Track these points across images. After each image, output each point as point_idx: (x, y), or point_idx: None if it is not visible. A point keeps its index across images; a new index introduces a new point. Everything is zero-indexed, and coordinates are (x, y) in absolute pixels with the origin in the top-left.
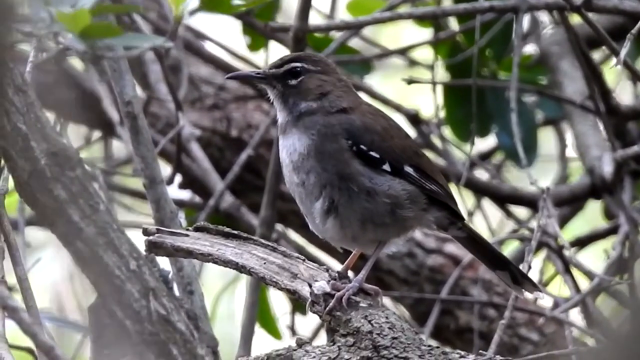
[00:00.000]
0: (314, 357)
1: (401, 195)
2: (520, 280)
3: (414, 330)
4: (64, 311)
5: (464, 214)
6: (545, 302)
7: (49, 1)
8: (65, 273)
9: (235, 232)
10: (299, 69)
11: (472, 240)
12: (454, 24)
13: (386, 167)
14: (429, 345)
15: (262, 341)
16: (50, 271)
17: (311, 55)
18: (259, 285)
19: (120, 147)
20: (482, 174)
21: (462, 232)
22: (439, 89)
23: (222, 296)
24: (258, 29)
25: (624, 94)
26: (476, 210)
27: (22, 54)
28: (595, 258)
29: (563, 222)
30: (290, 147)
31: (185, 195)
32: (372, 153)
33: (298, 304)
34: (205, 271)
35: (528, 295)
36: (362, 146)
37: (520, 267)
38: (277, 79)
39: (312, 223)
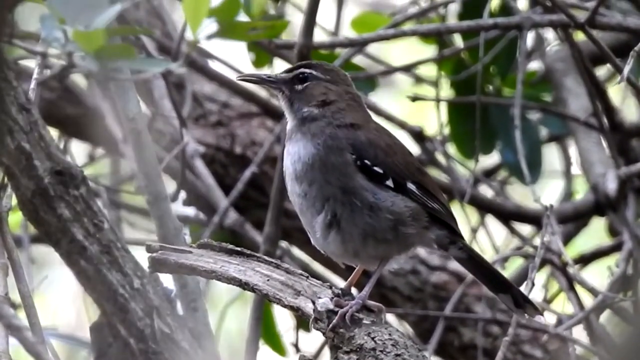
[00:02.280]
0: None
1: (404, 212)
2: (523, 303)
3: (417, 347)
4: (74, 328)
5: (468, 232)
6: (549, 319)
7: (64, 20)
8: (75, 290)
9: (239, 249)
10: (307, 74)
11: (474, 262)
12: (458, 41)
13: (389, 182)
14: None
15: (267, 357)
16: (60, 288)
17: (323, 64)
18: (263, 301)
19: (124, 164)
20: (486, 191)
21: (463, 252)
22: (443, 105)
23: (227, 312)
24: (262, 46)
25: (628, 110)
26: (480, 227)
27: (25, 70)
28: (599, 275)
29: (567, 239)
30: (295, 155)
31: (190, 211)
32: (376, 168)
33: (302, 321)
34: (211, 287)
35: (530, 318)
36: (366, 161)
37: (524, 284)
38: (285, 84)
39: (313, 237)
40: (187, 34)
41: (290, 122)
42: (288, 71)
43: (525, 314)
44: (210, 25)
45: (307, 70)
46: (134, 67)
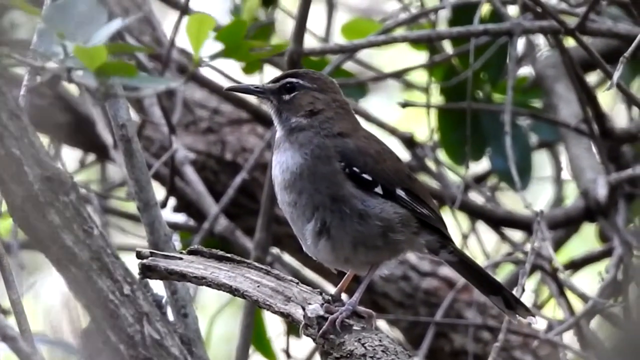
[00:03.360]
0: None
1: (393, 218)
2: (514, 305)
3: (407, 353)
4: (64, 334)
5: (459, 238)
6: (539, 324)
7: (63, 34)
8: (65, 296)
9: (229, 255)
10: (294, 84)
11: (465, 265)
12: (448, 47)
13: (378, 189)
14: None
15: None
16: (50, 294)
17: (310, 72)
18: (254, 307)
19: (115, 170)
20: (476, 197)
21: (454, 256)
22: (434, 112)
23: (218, 318)
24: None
25: (618, 117)
26: (471, 234)
27: (16, 77)
28: (589, 281)
29: (558, 245)
30: (283, 165)
31: (180, 218)
32: (365, 175)
33: (292, 327)
34: (202, 293)
35: (522, 320)
36: (355, 168)
37: (515, 290)
38: (273, 93)
39: (304, 244)
40: (185, 48)
41: (278, 131)
42: (275, 81)
43: (517, 315)
44: (212, 45)
45: (294, 80)
46: (134, 84)
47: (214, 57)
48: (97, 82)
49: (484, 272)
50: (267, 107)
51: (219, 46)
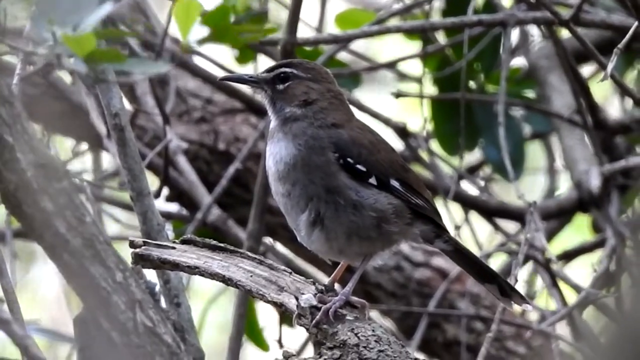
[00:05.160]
0: None
1: (387, 209)
2: (509, 292)
3: (400, 343)
4: (57, 323)
5: (452, 228)
6: (532, 315)
7: (53, 20)
8: (58, 285)
9: (222, 245)
10: (288, 74)
11: (459, 253)
12: (442, 37)
13: (372, 180)
14: (416, 359)
15: (250, 353)
16: (47, 283)
17: (304, 62)
18: (247, 297)
19: (108, 159)
20: (470, 188)
21: (449, 245)
22: (427, 102)
23: (211, 307)
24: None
25: (611, 108)
26: (464, 224)
27: (9, 65)
28: (582, 271)
29: (551, 235)
30: (277, 156)
31: (173, 208)
32: (359, 166)
33: (285, 316)
34: (195, 282)
35: (516, 307)
36: (349, 159)
37: (508, 280)
38: (267, 83)
39: (299, 235)
40: (178, 37)
41: (272, 121)
42: (269, 70)
43: (512, 303)
44: (200, 30)
45: (288, 70)
46: (125, 69)
47: (202, 41)
48: (87, 69)
49: (478, 260)
50: (261, 97)
51: (206, 31)
